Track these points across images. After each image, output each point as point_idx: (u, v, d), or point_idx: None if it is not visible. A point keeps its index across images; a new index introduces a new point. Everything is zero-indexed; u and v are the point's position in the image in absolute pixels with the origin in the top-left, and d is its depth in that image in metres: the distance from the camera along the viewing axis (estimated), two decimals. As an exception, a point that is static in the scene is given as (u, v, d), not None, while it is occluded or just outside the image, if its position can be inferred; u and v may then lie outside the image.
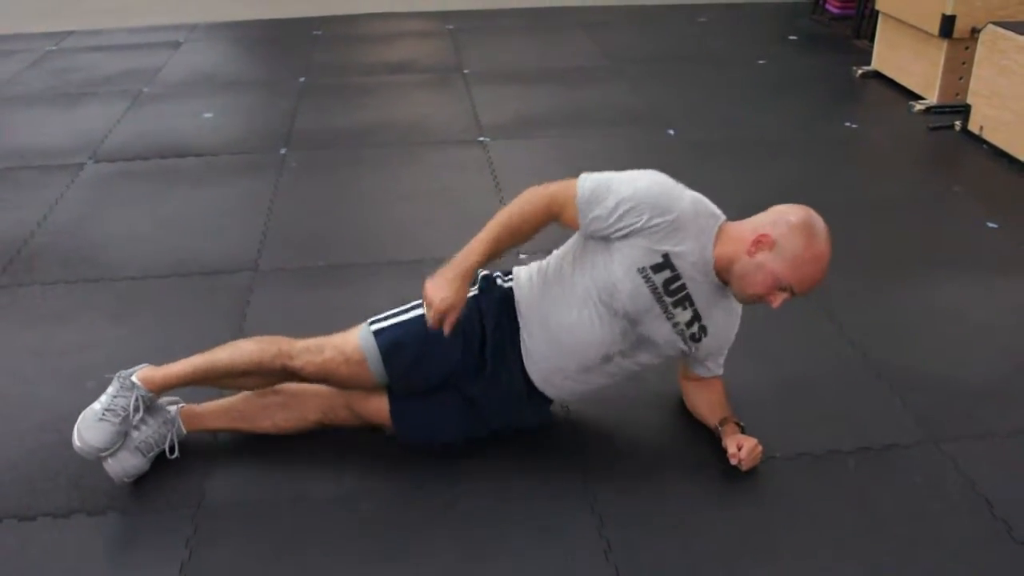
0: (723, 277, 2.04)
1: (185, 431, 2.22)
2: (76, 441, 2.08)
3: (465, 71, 5.28)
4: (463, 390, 2.18)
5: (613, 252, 2.03)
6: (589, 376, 2.14)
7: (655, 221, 1.98)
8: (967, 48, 4.34)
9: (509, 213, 2.07)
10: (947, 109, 4.43)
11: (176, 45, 5.92)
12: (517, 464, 2.20)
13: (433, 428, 2.22)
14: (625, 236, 2.01)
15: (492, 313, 2.17)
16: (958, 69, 4.42)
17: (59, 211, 3.58)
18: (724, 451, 2.16)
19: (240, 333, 2.73)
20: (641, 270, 2.00)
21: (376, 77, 5.26)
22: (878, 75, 5.04)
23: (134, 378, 2.18)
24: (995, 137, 4.00)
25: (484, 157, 4.04)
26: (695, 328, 2.10)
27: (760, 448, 2.13)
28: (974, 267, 3.10)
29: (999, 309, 2.85)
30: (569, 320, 2.08)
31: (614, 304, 2.04)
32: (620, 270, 2.02)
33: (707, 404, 2.27)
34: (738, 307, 2.19)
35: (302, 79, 5.17)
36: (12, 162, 4.07)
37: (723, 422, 2.21)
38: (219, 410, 2.26)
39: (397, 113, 4.66)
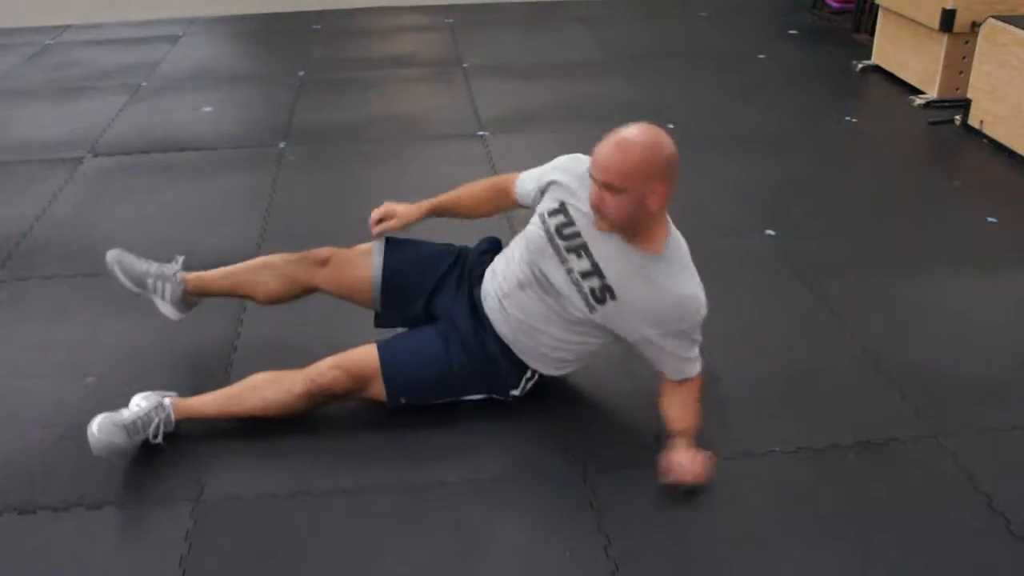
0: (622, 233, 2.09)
1: (175, 420, 2.22)
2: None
3: (464, 65, 5.28)
4: (445, 321, 2.36)
5: (534, 212, 2.29)
6: (524, 306, 2.22)
7: (559, 177, 2.26)
8: (967, 42, 4.33)
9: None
10: (947, 103, 4.43)
11: (175, 39, 5.91)
12: (517, 460, 2.20)
13: (420, 371, 2.29)
14: (542, 195, 2.28)
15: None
16: (958, 63, 4.41)
17: (58, 205, 3.57)
18: (723, 445, 2.17)
19: (240, 327, 2.73)
20: (540, 215, 2.23)
21: (375, 71, 5.25)
22: (878, 69, 5.03)
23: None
24: (995, 131, 4.00)
25: (483, 151, 4.04)
26: (595, 284, 2.10)
27: (705, 466, 2.06)
28: (974, 262, 3.10)
29: (999, 303, 2.85)
30: (504, 258, 2.35)
31: (525, 248, 2.23)
32: (531, 220, 2.27)
33: (675, 409, 2.18)
34: (672, 286, 2.08)
35: (301, 73, 5.16)
36: (11, 156, 4.07)
37: (680, 434, 2.12)
38: (209, 397, 2.27)
39: (396, 107, 4.66)
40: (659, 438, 2.20)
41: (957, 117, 4.26)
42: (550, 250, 2.16)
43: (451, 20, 6.26)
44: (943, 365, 2.54)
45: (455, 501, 2.08)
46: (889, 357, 2.56)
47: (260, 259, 2.58)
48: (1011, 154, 3.89)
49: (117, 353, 2.64)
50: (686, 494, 2.08)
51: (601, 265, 2.11)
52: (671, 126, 4.23)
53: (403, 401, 2.30)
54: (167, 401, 2.23)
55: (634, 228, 2.08)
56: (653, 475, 2.13)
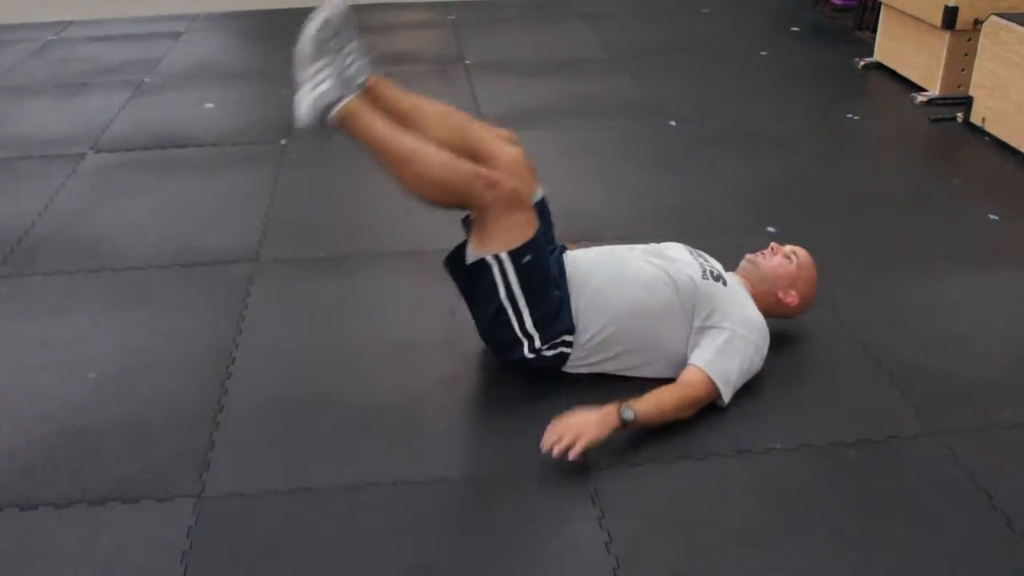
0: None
1: (339, 120, 2.30)
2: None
3: (467, 62, 5.28)
4: None
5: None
6: (624, 260, 2.43)
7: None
8: (969, 40, 4.32)
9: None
10: (949, 101, 4.42)
11: (177, 35, 5.91)
12: (517, 456, 2.20)
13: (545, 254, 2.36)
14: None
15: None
16: (960, 61, 4.40)
17: (60, 201, 3.58)
18: (724, 442, 2.18)
19: (241, 323, 2.74)
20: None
21: (378, 67, 5.23)
22: (880, 67, 5.03)
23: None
24: (997, 129, 4.00)
25: (485, 148, 4.03)
26: (714, 271, 2.43)
27: (574, 436, 2.10)
28: (975, 259, 3.10)
29: (1000, 301, 2.85)
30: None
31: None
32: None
33: (657, 391, 2.25)
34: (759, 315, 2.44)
35: (303, 69, 5.16)
36: (13, 152, 4.07)
37: (627, 403, 2.18)
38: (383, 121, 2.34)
39: (398, 104, 4.65)
40: (660, 430, 2.21)
41: (959, 114, 4.25)
42: (686, 251, 2.51)
43: (453, 17, 6.26)
44: (944, 363, 2.54)
45: (455, 498, 2.09)
46: (890, 354, 2.57)
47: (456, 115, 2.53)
48: (1013, 152, 3.88)
49: (119, 349, 2.65)
50: (688, 490, 2.08)
51: (725, 277, 2.46)
52: (673, 123, 4.24)
53: (527, 259, 2.28)
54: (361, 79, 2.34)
55: (764, 288, 2.49)
56: (655, 472, 2.14)
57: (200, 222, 3.40)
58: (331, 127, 2.32)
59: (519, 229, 2.28)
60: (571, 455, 2.08)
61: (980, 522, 2.00)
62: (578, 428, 2.12)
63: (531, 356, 2.35)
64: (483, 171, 2.27)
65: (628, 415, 2.15)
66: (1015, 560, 1.91)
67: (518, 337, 2.34)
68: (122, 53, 5.52)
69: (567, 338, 2.35)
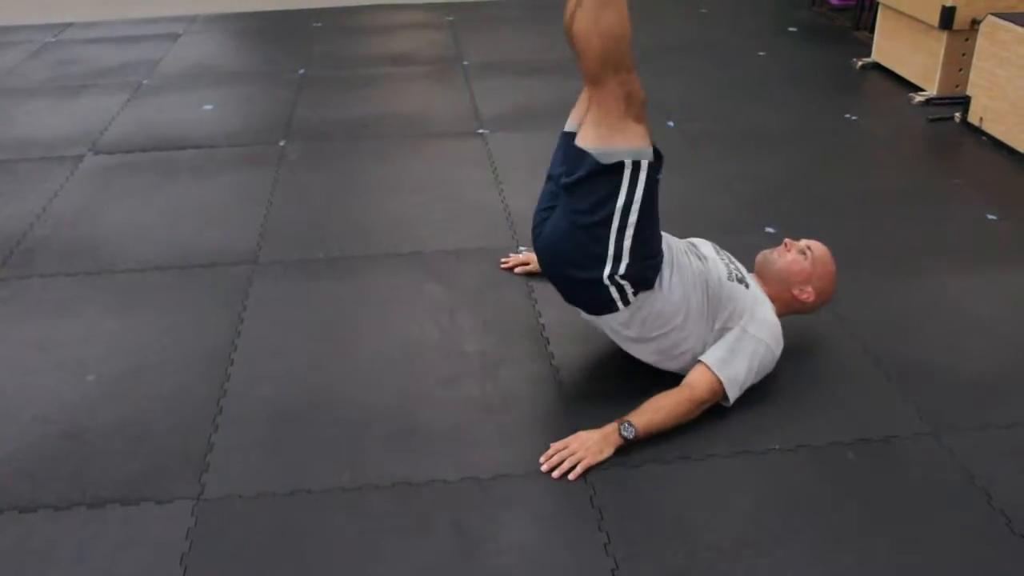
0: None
1: None
2: None
3: (465, 63, 5.28)
4: None
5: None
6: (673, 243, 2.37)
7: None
8: (967, 40, 4.33)
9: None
10: (947, 101, 4.43)
11: (175, 37, 5.91)
12: (517, 458, 2.20)
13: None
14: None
15: None
16: (958, 61, 4.41)
17: (59, 203, 3.58)
18: (723, 443, 2.19)
19: (240, 325, 2.74)
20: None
21: (376, 69, 5.25)
22: (878, 66, 5.03)
23: None
24: (995, 129, 4.00)
25: (484, 149, 4.04)
26: (738, 274, 2.41)
27: (575, 460, 2.12)
28: (974, 259, 3.10)
29: (999, 301, 2.86)
30: None
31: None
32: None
33: (656, 397, 2.24)
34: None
35: (302, 71, 5.17)
36: (11, 154, 4.07)
37: (625, 418, 2.18)
38: None
39: (397, 105, 4.66)
40: (660, 436, 2.21)
41: (957, 114, 4.26)
42: (713, 249, 2.50)
43: (451, 18, 6.26)
44: (943, 362, 2.54)
45: (455, 499, 2.09)
46: (888, 354, 2.57)
47: None
48: (1011, 151, 3.89)
49: (118, 351, 2.65)
50: (686, 492, 2.09)
51: (747, 279, 2.44)
52: (671, 123, 4.25)
53: (659, 177, 2.20)
54: None
55: (779, 287, 2.47)
56: (653, 473, 2.14)
57: (199, 224, 3.40)
58: None
59: (644, 136, 2.16)
60: (571, 477, 2.10)
61: (979, 522, 2.00)
62: (579, 451, 2.13)
63: (605, 282, 2.21)
64: (634, 67, 2.16)
65: (629, 433, 2.16)
66: (1014, 560, 1.91)
67: (606, 254, 2.19)
68: (121, 55, 5.53)
69: (641, 293, 2.24)
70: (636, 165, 2.14)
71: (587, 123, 2.19)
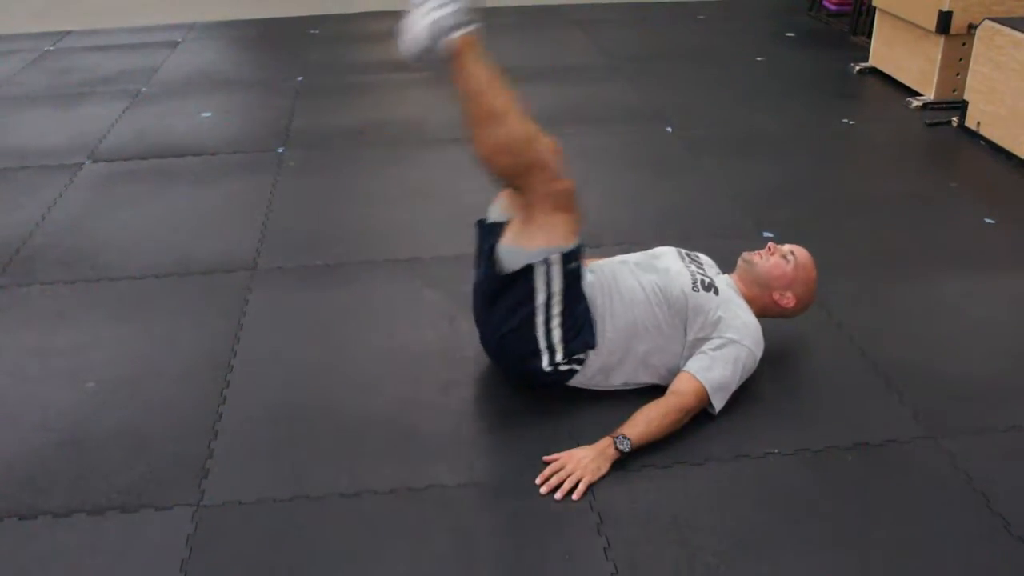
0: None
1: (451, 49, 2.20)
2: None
3: (463, 69, 5.28)
4: None
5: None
6: (619, 277, 2.38)
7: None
8: (964, 44, 4.34)
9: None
10: (944, 105, 4.44)
11: (174, 45, 5.92)
12: (516, 462, 2.20)
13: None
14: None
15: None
16: (955, 65, 4.42)
17: (58, 211, 3.58)
18: (722, 447, 2.19)
19: (239, 332, 2.74)
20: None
21: (373, 75, 5.26)
22: (875, 71, 5.04)
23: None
24: (992, 133, 4.01)
25: (482, 155, 4.04)
26: (706, 281, 2.39)
27: (575, 480, 2.11)
28: (972, 262, 3.10)
29: (997, 304, 2.86)
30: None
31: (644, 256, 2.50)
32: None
33: (646, 408, 2.24)
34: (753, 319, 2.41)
35: (299, 78, 5.17)
36: (10, 162, 4.07)
37: (615, 437, 2.18)
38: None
39: (395, 111, 4.67)
40: (659, 440, 2.21)
41: (954, 119, 4.26)
42: (678, 258, 2.48)
43: (449, 24, 6.26)
44: (941, 366, 2.55)
45: (454, 504, 2.09)
46: (887, 358, 2.57)
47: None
48: (1008, 155, 3.90)
49: (117, 358, 2.65)
50: (686, 496, 2.09)
51: (717, 284, 2.42)
52: (669, 129, 4.25)
53: (573, 265, 2.23)
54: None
55: (759, 291, 2.47)
56: (653, 477, 2.14)
57: (198, 231, 3.40)
58: (443, 54, 2.22)
59: (567, 228, 2.20)
60: (575, 496, 2.09)
61: (978, 526, 2.00)
62: (577, 470, 2.12)
63: (548, 370, 2.30)
64: (551, 161, 2.19)
65: (624, 446, 2.16)
66: (1014, 563, 1.91)
67: (539, 348, 2.28)
68: (119, 63, 5.53)
69: (582, 356, 2.31)
70: (547, 263, 2.19)
71: (514, 223, 2.25)
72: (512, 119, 2.21)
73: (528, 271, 2.20)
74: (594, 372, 2.36)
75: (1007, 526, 1.99)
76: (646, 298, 2.33)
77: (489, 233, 2.32)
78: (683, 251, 2.54)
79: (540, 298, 2.22)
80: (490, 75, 2.25)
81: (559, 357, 2.29)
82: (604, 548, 1.95)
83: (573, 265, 2.23)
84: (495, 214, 2.40)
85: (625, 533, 1.99)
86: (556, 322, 2.25)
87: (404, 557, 1.95)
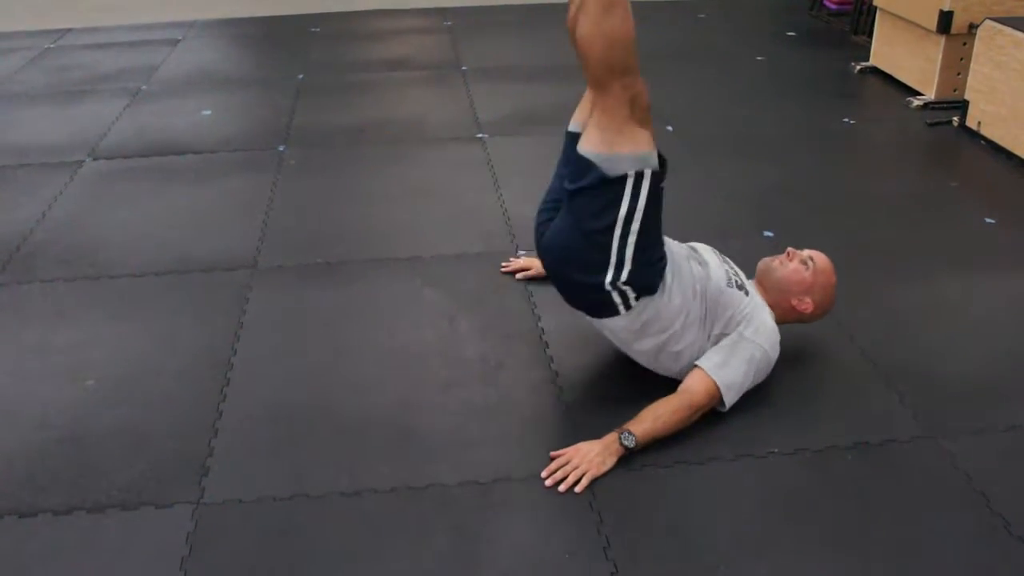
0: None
1: None
2: None
3: (463, 68, 5.29)
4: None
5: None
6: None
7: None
8: (965, 44, 4.34)
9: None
10: (945, 105, 4.44)
11: (174, 43, 5.92)
12: (516, 461, 2.20)
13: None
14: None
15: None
16: (956, 65, 4.42)
17: (58, 209, 3.58)
18: (722, 447, 2.20)
19: (240, 330, 2.74)
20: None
21: (374, 74, 5.26)
22: (876, 71, 5.04)
23: None
24: (993, 133, 4.01)
25: (483, 154, 4.05)
26: (739, 280, 2.41)
27: (579, 473, 2.11)
28: (972, 262, 3.10)
29: (997, 304, 2.86)
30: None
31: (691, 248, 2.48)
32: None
33: (654, 405, 2.24)
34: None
35: (300, 76, 5.17)
36: (10, 160, 4.07)
37: (625, 427, 2.18)
38: None
39: (395, 110, 4.67)
40: (660, 440, 2.21)
41: (955, 118, 4.26)
42: (714, 254, 2.48)
43: (450, 22, 6.27)
44: (941, 366, 2.55)
45: (454, 503, 2.09)
46: (887, 358, 2.57)
47: None
48: (1009, 155, 3.89)
49: (117, 356, 2.65)
50: (686, 495, 2.09)
51: (747, 286, 2.43)
52: (670, 128, 4.25)
53: (662, 186, 2.19)
54: None
55: (778, 296, 2.47)
56: (653, 477, 2.14)
57: (198, 229, 3.40)
58: None
59: (649, 141, 2.16)
60: (578, 490, 2.09)
61: (978, 525, 2.00)
62: (582, 464, 2.13)
63: (607, 288, 2.21)
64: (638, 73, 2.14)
65: (629, 442, 2.16)
66: (1014, 563, 1.91)
67: (608, 261, 2.19)
68: (120, 61, 5.53)
69: (643, 298, 2.24)
70: (639, 175, 2.14)
71: (591, 127, 2.19)
72: (626, 14, 2.15)
73: (622, 179, 2.13)
74: (633, 324, 2.28)
75: (1007, 526, 1.99)
76: (692, 284, 2.32)
77: (573, 142, 2.27)
78: (716, 250, 2.53)
79: (624, 208, 2.15)
80: None
81: (624, 276, 2.20)
82: (604, 548, 1.95)
83: (662, 186, 2.19)
84: (574, 124, 2.40)
85: (625, 532, 1.99)
86: (632, 239, 2.18)
87: (404, 556, 1.95)
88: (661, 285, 2.25)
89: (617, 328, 2.32)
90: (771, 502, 2.08)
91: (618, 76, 2.11)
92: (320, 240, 3.31)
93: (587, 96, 2.35)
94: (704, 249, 2.51)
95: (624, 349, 2.39)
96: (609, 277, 2.20)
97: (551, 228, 2.31)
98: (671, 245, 2.36)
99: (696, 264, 2.37)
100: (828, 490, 2.11)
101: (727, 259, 2.52)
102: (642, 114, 2.15)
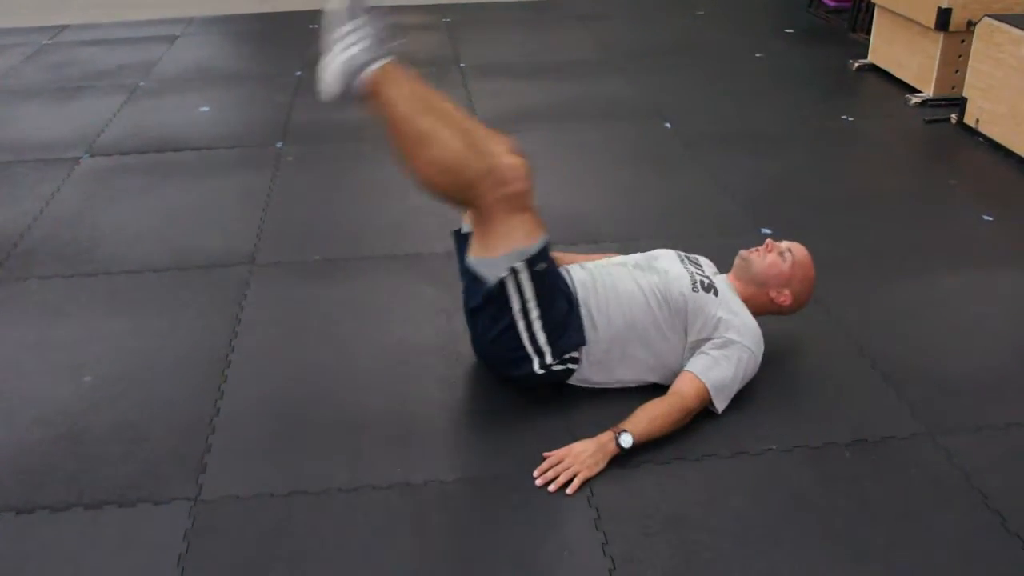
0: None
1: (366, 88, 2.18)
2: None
3: (462, 64, 5.28)
4: None
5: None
6: (617, 279, 2.37)
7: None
8: (963, 41, 4.34)
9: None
10: (943, 102, 4.44)
11: (172, 39, 5.91)
12: (514, 458, 2.20)
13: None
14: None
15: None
16: (954, 62, 4.42)
17: (55, 205, 3.58)
18: (720, 444, 2.20)
19: (237, 326, 2.74)
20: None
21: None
22: (874, 68, 5.04)
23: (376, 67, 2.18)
24: (991, 130, 4.01)
25: (481, 151, 4.04)
26: (705, 281, 2.39)
27: (571, 473, 2.12)
28: (970, 260, 3.11)
29: (995, 301, 2.86)
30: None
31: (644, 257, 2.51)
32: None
33: (648, 406, 2.24)
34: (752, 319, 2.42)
35: (298, 73, 5.17)
36: (8, 156, 4.07)
37: (618, 427, 2.19)
38: (404, 93, 2.21)
39: (394, 107, 4.66)
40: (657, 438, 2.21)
41: (953, 116, 4.26)
42: (677, 259, 2.47)
43: (448, 19, 6.27)
44: (939, 363, 2.55)
45: (452, 500, 2.09)
46: (884, 355, 2.57)
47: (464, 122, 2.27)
48: (1007, 152, 3.90)
49: (115, 352, 2.65)
50: (684, 492, 2.09)
51: (716, 285, 2.41)
52: (668, 125, 4.25)
53: (541, 266, 2.21)
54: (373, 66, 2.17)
55: (756, 289, 2.46)
56: (651, 473, 2.15)
57: (196, 225, 3.40)
58: (359, 93, 2.21)
59: (527, 229, 2.18)
60: (569, 490, 2.09)
61: (975, 522, 2.01)
62: (575, 464, 2.13)
63: (541, 372, 2.28)
64: (495, 165, 2.14)
65: (625, 441, 2.16)
66: (1009, 560, 1.91)
67: (527, 353, 2.27)
68: (117, 57, 5.52)
69: (575, 354, 2.31)
70: (514, 272, 2.18)
71: (475, 235, 2.25)
72: (439, 140, 2.16)
73: (499, 283, 2.19)
74: (591, 370, 2.35)
75: (1003, 522, 1.99)
76: (645, 299, 2.33)
77: (464, 244, 2.33)
78: (682, 253, 2.53)
79: (515, 306, 2.22)
80: (412, 96, 2.21)
81: (549, 359, 2.28)
82: (602, 544, 1.95)
83: (540, 267, 2.21)
84: (466, 225, 2.40)
85: (623, 529, 1.99)
86: (537, 325, 2.24)
87: (402, 552, 1.95)
88: (586, 331, 2.30)
89: (582, 380, 2.38)
90: (769, 499, 2.08)
91: (478, 187, 2.14)
92: (318, 236, 3.31)
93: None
94: (666, 255, 2.51)
95: (604, 386, 2.40)
96: (536, 365, 2.28)
97: (471, 332, 2.42)
98: (581, 276, 2.37)
99: (650, 274, 2.38)
100: (826, 487, 2.11)
101: (697, 259, 2.52)
102: (520, 202, 2.17)
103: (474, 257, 2.24)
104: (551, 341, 2.27)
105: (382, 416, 2.36)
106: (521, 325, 2.24)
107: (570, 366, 2.32)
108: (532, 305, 2.22)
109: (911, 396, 2.41)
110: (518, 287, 2.20)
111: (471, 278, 2.26)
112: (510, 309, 2.22)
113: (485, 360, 2.45)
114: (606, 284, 2.36)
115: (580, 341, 2.30)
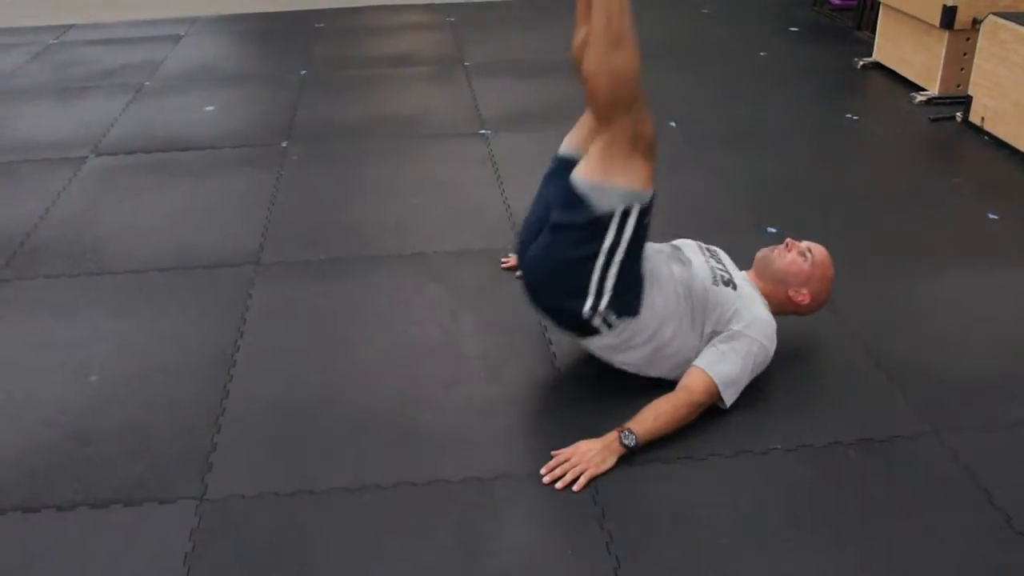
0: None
1: None
2: None
3: (466, 63, 5.29)
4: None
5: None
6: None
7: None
8: (968, 39, 4.33)
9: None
10: (948, 100, 4.43)
11: (177, 38, 5.92)
12: (519, 457, 2.21)
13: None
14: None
15: None
16: (959, 60, 4.41)
17: (61, 205, 3.58)
18: (724, 443, 2.20)
19: (243, 326, 2.74)
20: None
21: (377, 70, 5.26)
22: (879, 66, 5.03)
23: None
24: (996, 128, 4.00)
25: (485, 150, 4.05)
26: (725, 276, 2.39)
27: (578, 472, 2.11)
28: (975, 258, 3.10)
29: (1000, 300, 2.86)
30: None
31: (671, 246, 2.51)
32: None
33: (654, 403, 2.23)
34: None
35: (303, 72, 5.17)
36: (14, 156, 4.08)
37: (624, 426, 2.18)
38: None
39: (398, 106, 4.67)
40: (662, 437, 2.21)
41: (958, 114, 4.26)
42: (698, 251, 2.48)
43: (453, 18, 6.27)
44: (944, 362, 2.55)
45: (457, 499, 2.09)
46: (890, 354, 2.57)
47: None
48: (1012, 151, 3.89)
49: (121, 352, 2.65)
50: (688, 491, 2.09)
51: (736, 280, 2.41)
52: (673, 123, 4.25)
53: (648, 220, 2.24)
54: None
55: (775, 287, 2.46)
56: (656, 472, 2.15)
57: (201, 225, 3.41)
58: None
59: (648, 175, 2.18)
60: (576, 488, 2.09)
61: (980, 521, 2.00)
62: (582, 463, 2.13)
63: (586, 315, 2.24)
64: (646, 108, 2.16)
65: (629, 441, 2.16)
66: (1017, 559, 1.91)
67: (587, 290, 2.22)
68: (122, 57, 5.53)
69: (618, 321, 2.26)
70: (626, 212, 2.17)
71: (590, 155, 2.20)
72: (633, 50, 2.14)
73: (610, 213, 2.16)
74: (615, 343, 2.32)
75: (1009, 521, 1.99)
76: (674, 289, 2.32)
77: (564, 167, 2.29)
78: (703, 245, 2.53)
79: (608, 241, 2.18)
80: (624, 1, 2.15)
81: (603, 304, 2.23)
82: (607, 543, 1.95)
83: (647, 220, 2.21)
84: (566, 148, 2.40)
85: (627, 528, 1.99)
86: (614, 270, 2.21)
87: (407, 552, 1.95)
88: (640, 303, 2.28)
89: (599, 346, 2.36)
90: (774, 498, 2.08)
91: (623, 112, 2.12)
92: (323, 236, 3.31)
93: (584, 120, 2.37)
94: (688, 246, 2.51)
95: (606, 361, 2.40)
96: (588, 305, 2.24)
97: (533, 248, 2.32)
98: (650, 250, 2.35)
99: (678, 265, 2.38)
100: (830, 486, 2.11)
101: (717, 252, 2.52)
102: (645, 149, 2.17)
103: (587, 180, 2.18)
104: (616, 291, 2.23)
105: (387, 415, 2.36)
106: (601, 261, 2.20)
107: (612, 322, 2.27)
108: (621, 249, 2.19)
109: (916, 395, 2.40)
110: (621, 226, 2.18)
111: (572, 196, 2.19)
112: (602, 242, 2.18)
113: (537, 278, 2.33)
114: (653, 271, 2.33)
115: (635, 310, 2.27)
